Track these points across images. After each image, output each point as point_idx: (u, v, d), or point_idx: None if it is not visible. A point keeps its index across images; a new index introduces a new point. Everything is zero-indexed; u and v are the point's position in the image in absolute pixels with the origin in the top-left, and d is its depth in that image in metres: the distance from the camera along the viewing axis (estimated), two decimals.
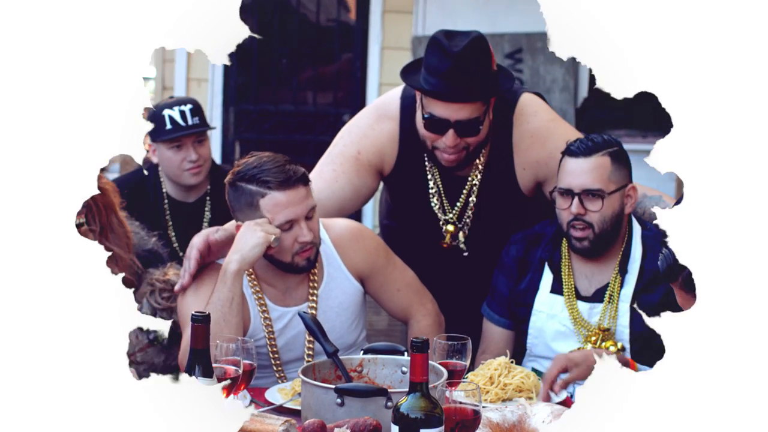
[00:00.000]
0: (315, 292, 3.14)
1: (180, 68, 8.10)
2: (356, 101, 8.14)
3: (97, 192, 3.03)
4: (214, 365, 2.46)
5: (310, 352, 3.12)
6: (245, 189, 2.98)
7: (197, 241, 3.12)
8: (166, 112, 4.11)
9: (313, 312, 3.12)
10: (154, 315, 3.18)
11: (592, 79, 8.18)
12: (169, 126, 4.10)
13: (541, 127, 3.40)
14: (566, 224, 3.17)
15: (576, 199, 3.13)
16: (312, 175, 3.26)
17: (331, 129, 8.01)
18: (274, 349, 3.12)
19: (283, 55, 8.26)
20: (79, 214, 3.02)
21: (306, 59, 8.28)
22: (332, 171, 3.38)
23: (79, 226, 3.04)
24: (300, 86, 8.32)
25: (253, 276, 3.11)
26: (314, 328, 2.84)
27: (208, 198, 4.22)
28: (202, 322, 2.36)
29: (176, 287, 3.10)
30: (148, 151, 4.30)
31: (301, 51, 8.24)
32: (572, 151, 3.14)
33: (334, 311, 3.17)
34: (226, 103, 8.20)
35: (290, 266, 3.06)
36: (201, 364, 2.36)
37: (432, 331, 3.24)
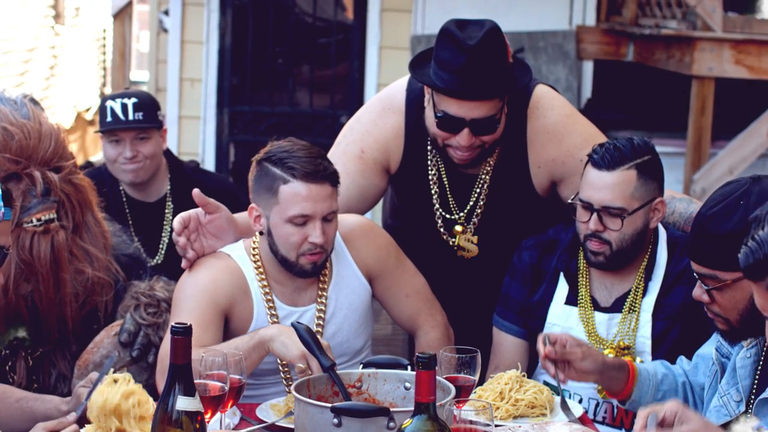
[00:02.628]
0: (324, 293, 2.99)
1: (173, 69, 8.03)
2: (354, 102, 8.07)
3: (72, 189, 2.97)
4: (196, 381, 2.24)
5: None
6: (269, 171, 2.85)
7: (182, 213, 3.01)
8: (109, 103, 3.96)
9: (322, 315, 2.98)
10: (138, 331, 2.98)
11: (595, 78, 8.06)
12: (109, 118, 3.96)
13: (558, 122, 3.20)
14: (583, 236, 2.99)
15: (595, 215, 2.93)
16: None
17: (328, 131, 7.90)
18: None
19: (279, 55, 8.18)
20: (48, 209, 2.88)
21: (302, 59, 8.21)
22: None
23: (49, 221, 2.88)
24: (296, 87, 8.25)
25: (261, 271, 2.95)
26: (309, 340, 2.66)
27: (169, 198, 4.08)
28: (182, 334, 2.14)
29: (183, 263, 2.99)
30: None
31: (297, 51, 8.17)
32: (595, 161, 2.92)
33: (343, 313, 3.02)
34: (220, 104, 8.13)
35: (294, 267, 2.89)
36: (181, 381, 2.14)
37: (441, 344, 3.05)
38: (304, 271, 2.90)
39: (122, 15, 8.32)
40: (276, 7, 8.11)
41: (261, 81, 8.18)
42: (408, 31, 7.89)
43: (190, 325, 2.17)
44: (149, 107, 3.98)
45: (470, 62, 2.94)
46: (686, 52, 6.84)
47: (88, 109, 13.18)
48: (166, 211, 4.07)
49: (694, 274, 2.55)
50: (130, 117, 3.93)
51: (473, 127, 3.02)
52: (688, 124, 6.86)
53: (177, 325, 2.15)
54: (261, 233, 2.93)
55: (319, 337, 2.74)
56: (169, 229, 4.02)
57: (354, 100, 8.08)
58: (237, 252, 2.99)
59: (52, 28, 11.54)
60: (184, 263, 2.99)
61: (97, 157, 10.52)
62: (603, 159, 2.91)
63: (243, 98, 8.15)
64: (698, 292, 2.55)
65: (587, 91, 8.00)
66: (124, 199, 4.07)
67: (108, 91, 12.28)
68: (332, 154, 3.26)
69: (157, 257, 4.04)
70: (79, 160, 11.28)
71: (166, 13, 8.27)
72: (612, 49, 7.80)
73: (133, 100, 3.94)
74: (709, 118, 6.77)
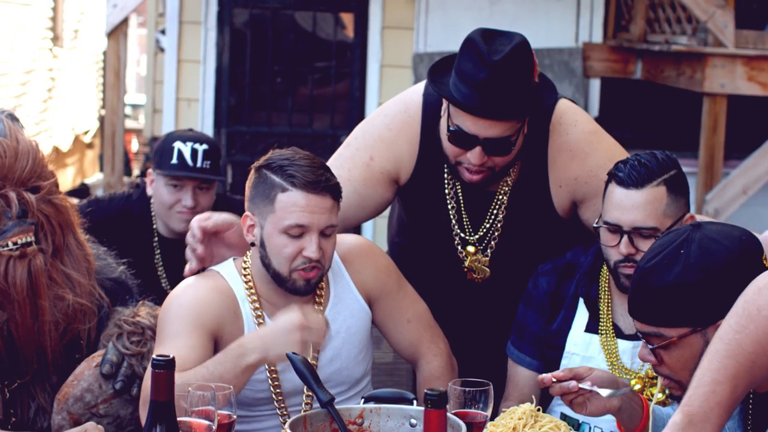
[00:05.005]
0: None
1: (169, 88, 7.99)
2: (354, 122, 7.88)
3: (52, 209, 2.81)
4: (180, 419, 2.05)
5: None
6: (268, 178, 2.72)
7: (198, 222, 2.87)
8: (177, 145, 3.77)
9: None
10: (122, 361, 2.81)
11: (602, 96, 8.00)
12: (174, 161, 3.76)
13: (581, 140, 3.02)
14: (614, 263, 2.79)
15: (626, 238, 2.73)
16: None
17: (328, 151, 7.74)
18: (274, 376, 2.80)
19: (278, 74, 8.12)
20: (25, 232, 2.72)
21: (301, 79, 8.15)
22: (338, 176, 3.05)
23: (26, 245, 2.71)
24: (295, 107, 8.18)
25: (253, 290, 2.80)
26: (305, 372, 2.48)
27: None
28: (164, 367, 1.95)
29: (185, 270, 2.84)
30: (144, 181, 3.97)
31: (296, 70, 8.11)
32: (621, 179, 2.72)
33: (342, 337, 2.86)
34: (217, 124, 8.07)
35: (286, 282, 2.73)
36: (163, 420, 1.94)
37: (445, 373, 2.90)
38: (297, 288, 2.74)
39: (117, 33, 8.22)
40: (275, 25, 8.04)
41: (259, 101, 8.11)
42: (410, 49, 7.85)
43: (173, 358, 2.00)
44: (217, 156, 3.83)
45: (492, 79, 2.76)
46: (697, 69, 6.78)
47: (86, 132, 13.10)
48: None
49: (638, 334, 2.34)
50: (199, 164, 3.76)
51: (486, 146, 2.86)
52: (700, 143, 6.78)
53: (159, 358, 1.99)
54: (253, 244, 2.78)
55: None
56: None
57: (355, 120, 7.96)
58: (227, 270, 2.83)
59: (50, 51, 11.51)
60: (187, 271, 2.85)
61: (91, 179, 10.40)
62: (630, 177, 2.71)
63: (241, 118, 8.07)
64: (644, 352, 2.33)
65: (594, 110, 7.96)
66: (155, 237, 3.91)
67: (104, 113, 12.19)
68: (340, 155, 3.13)
69: None
70: (77, 183, 11.16)
71: (163, 32, 8.23)
72: (619, 66, 7.77)
73: (204, 146, 3.78)
74: (722, 137, 6.69)
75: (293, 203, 2.67)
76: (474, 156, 2.85)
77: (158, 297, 3.55)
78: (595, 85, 7.93)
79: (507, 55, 2.76)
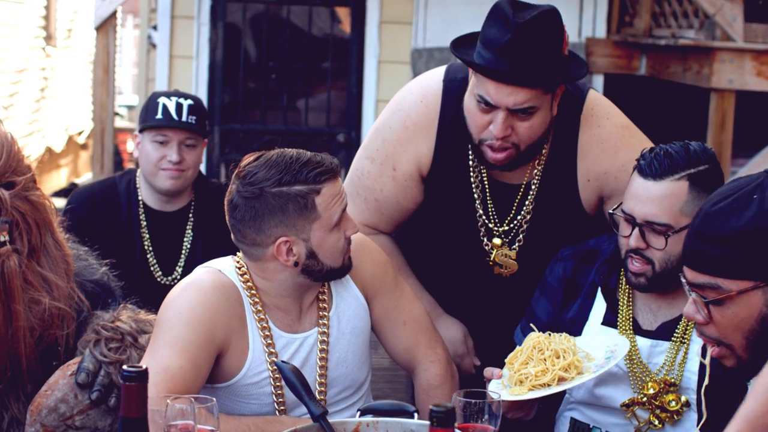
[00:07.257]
0: (326, 314, 2.75)
1: (161, 85, 7.87)
2: (351, 120, 7.94)
3: (28, 207, 2.66)
4: None
5: (322, 388, 2.69)
6: (290, 192, 2.61)
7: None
8: (162, 100, 3.75)
9: (325, 339, 2.73)
10: (99, 370, 2.67)
11: (606, 93, 7.91)
12: (159, 115, 3.74)
13: (613, 133, 2.95)
14: (624, 253, 2.66)
15: (636, 231, 2.59)
16: (356, 207, 3.04)
17: (324, 149, 7.67)
18: (279, 392, 2.68)
19: (273, 70, 8.04)
20: None
21: (297, 75, 8.07)
22: (374, 199, 3.10)
23: None
24: (290, 104, 8.11)
25: (257, 299, 2.68)
26: (296, 384, 2.34)
27: (191, 211, 3.87)
28: (136, 380, 1.78)
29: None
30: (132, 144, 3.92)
31: (291, 66, 8.01)
32: (641, 167, 2.59)
33: (347, 338, 2.76)
34: (210, 121, 7.93)
35: (339, 271, 2.71)
36: None
37: (444, 382, 2.79)
38: (347, 268, 2.73)
39: (106, 27, 8.11)
40: (269, 20, 7.96)
41: (254, 98, 8.03)
42: (408, 45, 7.77)
43: (146, 369, 1.84)
44: (203, 113, 3.80)
45: (515, 41, 2.71)
46: (704, 64, 6.68)
47: (80, 133, 12.97)
48: (188, 224, 3.87)
49: (686, 288, 2.14)
50: (184, 118, 3.74)
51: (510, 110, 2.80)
52: (707, 140, 6.66)
53: (129, 369, 1.82)
54: (296, 264, 2.68)
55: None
56: (188, 245, 3.85)
57: (352, 117, 7.92)
58: (229, 270, 2.71)
59: (43, 50, 11.42)
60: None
61: (81, 180, 10.31)
62: (650, 166, 2.56)
63: (234, 116, 7.98)
64: (691, 309, 2.13)
65: None
66: (141, 210, 3.86)
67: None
68: (369, 173, 3.09)
69: (173, 275, 3.85)
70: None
71: (155, 28, 8.15)
72: (623, 62, 7.70)
73: (189, 101, 3.76)
74: (729, 134, 6.59)
75: (332, 196, 2.65)
76: (497, 126, 2.78)
77: (144, 267, 3.73)
78: (598, 81, 7.83)
79: (533, 18, 2.71)
